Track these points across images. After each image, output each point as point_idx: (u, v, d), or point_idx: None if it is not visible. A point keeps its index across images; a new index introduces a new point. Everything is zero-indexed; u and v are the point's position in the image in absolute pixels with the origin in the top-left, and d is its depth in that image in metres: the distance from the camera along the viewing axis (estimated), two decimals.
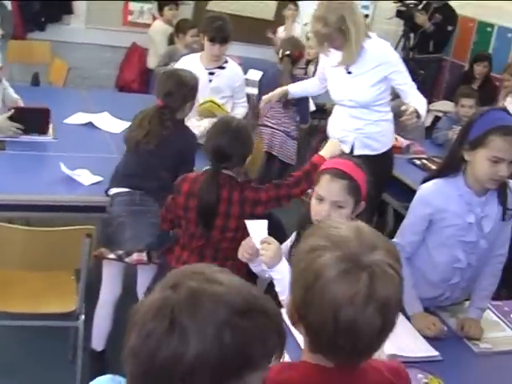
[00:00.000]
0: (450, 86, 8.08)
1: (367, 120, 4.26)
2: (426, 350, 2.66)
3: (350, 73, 4.20)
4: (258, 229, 2.69)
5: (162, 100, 3.78)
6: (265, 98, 4.71)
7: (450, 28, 8.76)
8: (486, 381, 2.65)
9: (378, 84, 4.17)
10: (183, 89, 3.81)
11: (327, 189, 2.72)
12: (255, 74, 6.78)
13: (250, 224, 2.71)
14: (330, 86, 4.38)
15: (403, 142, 5.38)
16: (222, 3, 8.04)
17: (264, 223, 2.70)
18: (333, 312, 1.45)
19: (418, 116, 4.00)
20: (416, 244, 2.96)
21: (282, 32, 8.18)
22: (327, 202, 2.72)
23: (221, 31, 4.75)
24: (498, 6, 8.42)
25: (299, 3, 8.20)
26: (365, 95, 4.20)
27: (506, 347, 2.84)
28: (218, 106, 4.73)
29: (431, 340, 2.74)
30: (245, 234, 2.79)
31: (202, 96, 4.57)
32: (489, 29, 8.73)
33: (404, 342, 2.65)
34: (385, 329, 1.50)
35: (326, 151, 3.41)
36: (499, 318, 3.06)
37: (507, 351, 2.82)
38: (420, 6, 8.78)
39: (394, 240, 2.97)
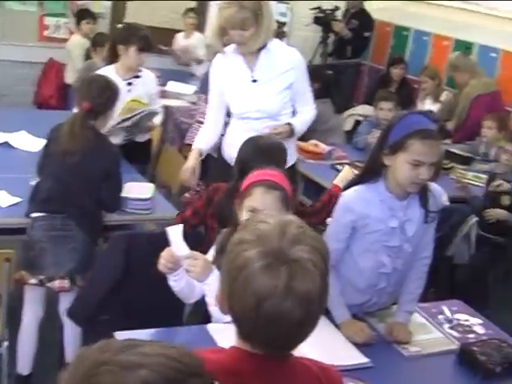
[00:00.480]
0: (369, 90, 8.19)
1: None
2: (355, 358, 2.66)
3: (255, 81, 3.94)
4: (175, 234, 2.65)
5: (87, 103, 3.75)
6: (186, 170, 4.05)
7: (366, 34, 8.89)
8: (415, 383, 2.66)
9: (284, 91, 3.94)
10: (107, 92, 3.87)
11: (262, 201, 2.71)
12: (175, 86, 6.74)
13: (169, 231, 2.66)
14: (231, 99, 4.03)
15: (325, 147, 5.41)
16: (139, 16, 7.97)
17: (179, 228, 2.65)
18: (254, 303, 1.52)
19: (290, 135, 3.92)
20: (341, 251, 2.94)
21: (182, 39, 8.17)
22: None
23: (147, 39, 4.78)
24: (414, 10, 8.59)
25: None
26: (272, 104, 3.94)
27: (434, 349, 2.85)
28: (140, 102, 4.80)
29: (361, 346, 2.74)
30: None
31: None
32: (405, 32, 8.87)
33: (333, 350, 2.64)
34: (306, 322, 1.57)
35: (340, 178, 3.69)
36: (427, 319, 3.08)
37: (436, 353, 2.84)
38: (337, 13, 8.89)
39: None
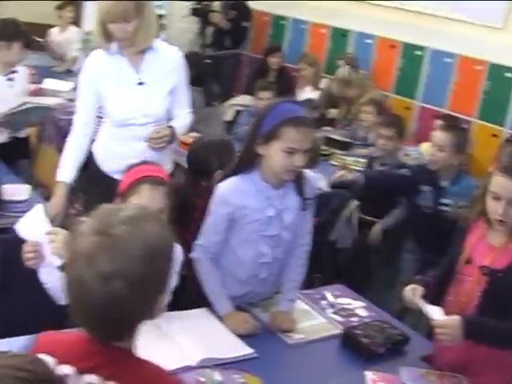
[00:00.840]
0: (249, 80, 8.19)
1: None
2: (240, 349, 2.64)
3: (141, 83, 3.60)
4: (35, 216, 2.57)
5: None
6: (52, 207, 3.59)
7: (245, 24, 8.90)
8: (302, 371, 2.66)
9: (169, 95, 3.67)
10: None
11: (151, 198, 2.67)
12: (51, 83, 6.56)
13: (28, 215, 2.60)
14: (113, 105, 3.61)
15: None
16: (6, 11, 7.65)
17: (39, 208, 2.58)
18: (73, 289, 1.57)
19: (171, 141, 3.64)
20: (220, 244, 2.92)
21: (57, 34, 7.84)
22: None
23: (29, 35, 4.68)
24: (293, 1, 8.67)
25: None
26: (160, 107, 3.65)
27: (318, 335, 2.87)
28: None
29: (246, 338, 2.72)
30: None
31: (5, 103, 4.54)
32: (283, 22, 8.92)
33: (217, 343, 2.62)
34: (109, 303, 1.52)
35: None
36: (310, 306, 3.10)
37: (320, 339, 2.86)
38: (215, 4, 8.86)
39: (198, 242, 2.94)
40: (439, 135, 4.25)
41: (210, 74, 6.55)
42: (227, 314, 2.84)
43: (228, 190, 2.87)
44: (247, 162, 2.88)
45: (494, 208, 2.61)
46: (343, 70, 7.00)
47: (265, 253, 2.91)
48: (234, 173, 2.91)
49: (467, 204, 4.15)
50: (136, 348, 1.67)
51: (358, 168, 5.28)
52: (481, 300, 2.67)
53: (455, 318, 2.56)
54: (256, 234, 2.88)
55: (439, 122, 4.39)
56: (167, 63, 3.65)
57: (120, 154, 3.48)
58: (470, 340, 2.56)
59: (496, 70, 6.72)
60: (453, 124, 4.32)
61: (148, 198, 2.68)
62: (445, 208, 4.20)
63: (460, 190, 4.19)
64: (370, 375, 2.59)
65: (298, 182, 2.89)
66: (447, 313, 2.63)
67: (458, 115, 6.66)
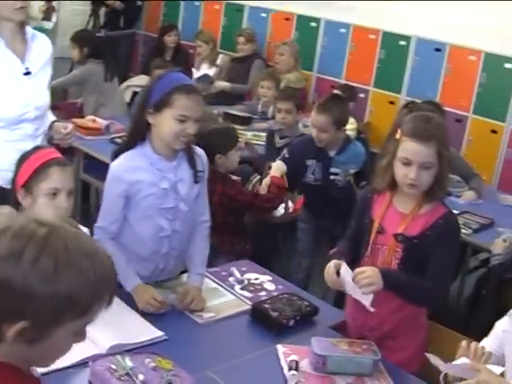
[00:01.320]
0: (145, 60, 8.08)
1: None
2: (150, 333, 2.61)
3: (28, 73, 3.29)
4: None
5: None
6: None
7: (139, 3, 8.77)
8: (214, 349, 2.66)
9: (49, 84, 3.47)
10: None
11: (62, 180, 2.65)
12: None
13: None
14: (1, 103, 3.25)
15: (102, 122, 5.28)
16: None
17: None
18: None
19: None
20: (118, 223, 2.90)
21: None
22: (64, 192, 2.64)
23: None
24: None
25: None
26: (47, 98, 3.43)
27: (227, 312, 2.87)
28: None
29: (155, 320, 2.69)
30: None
31: None
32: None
33: (126, 328, 2.59)
34: None
35: (274, 170, 4.13)
36: (218, 284, 3.09)
37: (229, 316, 2.86)
38: None
39: (96, 224, 2.91)
40: (316, 118, 4.21)
41: (106, 49, 6.40)
42: (135, 288, 2.81)
43: (120, 168, 2.87)
44: (138, 135, 2.88)
45: (405, 173, 2.64)
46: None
47: (163, 226, 2.91)
48: (126, 148, 2.90)
49: (357, 170, 4.29)
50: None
51: (258, 142, 5.30)
52: (399, 267, 2.73)
53: (374, 268, 2.62)
54: (153, 208, 2.88)
55: (315, 104, 4.44)
56: (46, 51, 3.45)
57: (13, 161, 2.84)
58: (387, 288, 2.61)
59: (389, 39, 6.84)
60: (327, 103, 4.30)
61: (59, 181, 2.64)
62: (334, 177, 4.26)
63: (347, 158, 4.28)
64: (281, 348, 2.61)
65: (190, 154, 2.92)
66: None
67: (354, 84, 6.77)
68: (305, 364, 2.52)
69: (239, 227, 4.04)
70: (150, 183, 2.84)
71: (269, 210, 4.05)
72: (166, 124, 2.76)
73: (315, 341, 2.57)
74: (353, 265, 2.74)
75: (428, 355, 2.36)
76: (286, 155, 4.38)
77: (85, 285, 1.40)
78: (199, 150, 3.00)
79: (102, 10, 8.76)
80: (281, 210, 4.57)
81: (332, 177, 4.26)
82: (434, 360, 2.32)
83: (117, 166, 2.87)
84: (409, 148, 2.63)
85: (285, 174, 4.20)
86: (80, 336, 1.49)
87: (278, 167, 4.16)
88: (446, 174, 2.72)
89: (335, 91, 4.87)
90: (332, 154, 4.28)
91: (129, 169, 2.84)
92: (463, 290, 4.56)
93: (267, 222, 4.67)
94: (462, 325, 4.14)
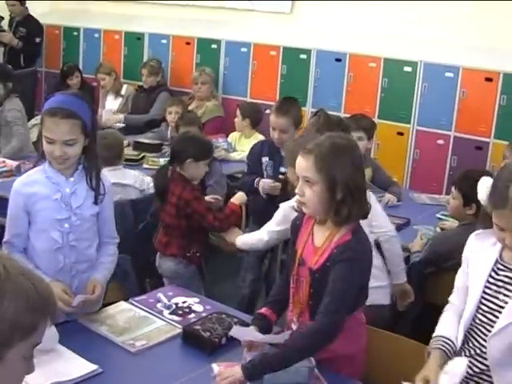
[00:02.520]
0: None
1: None
2: (83, 367, 2.58)
3: None
4: None
5: None
6: None
7: (37, 39, 8.66)
8: (149, 377, 2.64)
9: None
10: None
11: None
12: None
13: None
14: None
15: (12, 163, 5.20)
16: None
17: None
18: None
19: None
20: (22, 236, 3.01)
21: None
22: None
23: None
24: (84, 10, 8.57)
25: None
26: None
27: (159, 338, 2.86)
28: None
29: (88, 353, 2.66)
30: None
31: None
32: (75, 33, 8.81)
33: (58, 366, 2.56)
34: None
35: (236, 199, 4.11)
36: (147, 311, 3.09)
37: (162, 341, 2.85)
38: (3, 23, 8.58)
39: (3, 239, 3.01)
40: (277, 120, 4.50)
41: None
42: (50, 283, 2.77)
43: (20, 182, 3.00)
44: (39, 152, 3.01)
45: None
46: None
47: (55, 239, 2.98)
48: (34, 166, 3.05)
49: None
50: None
51: None
52: (310, 302, 2.65)
53: (234, 368, 2.48)
54: (48, 221, 2.97)
55: (273, 109, 4.58)
56: None
57: None
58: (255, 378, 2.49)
59: (290, 53, 6.98)
60: (284, 106, 4.55)
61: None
62: (282, 177, 4.39)
63: None
64: (216, 367, 2.62)
65: (90, 174, 3.01)
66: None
67: (260, 101, 6.87)
68: None
69: (191, 233, 4.07)
70: (44, 196, 2.95)
71: (216, 229, 4.07)
72: (43, 144, 2.89)
73: (248, 355, 2.59)
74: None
75: None
76: (247, 158, 4.80)
77: (29, 304, 1.42)
78: (104, 175, 3.12)
79: (1, 50, 8.65)
80: None
81: (281, 176, 4.42)
82: None
83: (17, 181, 3.02)
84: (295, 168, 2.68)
85: (244, 205, 4.32)
86: (30, 361, 1.51)
87: (239, 197, 4.17)
88: (347, 200, 2.54)
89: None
90: (284, 153, 4.46)
91: (27, 182, 2.98)
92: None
93: None
94: (391, 322, 4.24)
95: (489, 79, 6.15)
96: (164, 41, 7.98)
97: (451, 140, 6.29)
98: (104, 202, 3.07)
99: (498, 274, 2.49)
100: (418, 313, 3.91)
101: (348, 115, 5.18)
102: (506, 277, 2.46)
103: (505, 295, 2.44)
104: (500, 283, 2.47)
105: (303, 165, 2.58)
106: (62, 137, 2.83)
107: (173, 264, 4.07)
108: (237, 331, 2.68)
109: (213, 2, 7.74)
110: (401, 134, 6.45)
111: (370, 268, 2.67)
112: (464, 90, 6.23)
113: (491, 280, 2.50)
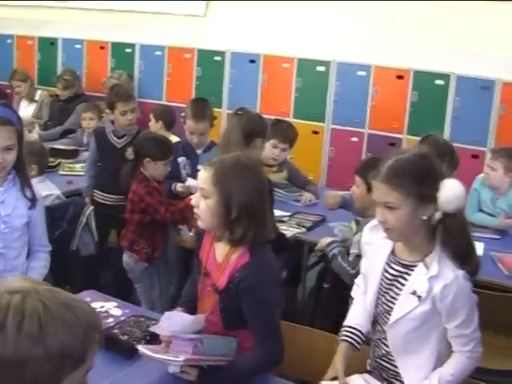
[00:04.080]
0: None
1: None
2: None
3: None
4: None
5: None
6: None
7: None
8: None
9: None
10: None
11: None
12: None
13: None
14: None
15: None
16: None
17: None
18: None
19: None
20: None
21: None
22: None
23: None
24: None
25: None
26: None
27: None
28: None
29: None
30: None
31: None
32: None
33: None
34: None
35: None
36: None
37: None
38: None
39: None
40: (198, 126, 4.62)
41: None
42: None
43: None
44: None
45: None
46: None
47: None
48: None
49: None
50: None
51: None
52: (222, 317, 2.63)
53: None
54: None
55: (189, 112, 4.63)
56: None
57: None
58: None
59: (205, 55, 7.01)
60: (200, 110, 4.66)
61: None
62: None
63: (209, 155, 4.46)
64: (143, 349, 2.60)
65: (22, 182, 3.07)
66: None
67: (175, 104, 6.87)
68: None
69: (141, 228, 4.14)
70: None
71: (169, 221, 4.17)
72: None
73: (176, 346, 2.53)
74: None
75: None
76: None
77: (74, 335, 1.42)
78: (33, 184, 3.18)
79: None
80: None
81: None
82: None
83: None
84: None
85: None
86: None
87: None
88: (242, 221, 2.50)
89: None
90: (199, 152, 4.68)
91: None
92: (306, 286, 4.74)
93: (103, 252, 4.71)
94: (309, 318, 4.32)
95: (400, 77, 6.30)
96: (78, 46, 7.90)
97: (365, 137, 6.42)
98: (36, 210, 3.11)
99: (390, 268, 2.57)
100: (334, 307, 3.99)
101: (263, 116, 5.21)
102: (397, 271, 2.55)
103: (397, 288, 2.53)
104: (392, 277, 2.56)
105: (203, 176, 2.56)
106: (3, 143, 2.89)
107: (126, 256, 4.22)
108: (166, 319, 2.61)
109: (126, 5, 7.69)
110: (316, 132, 6.55)
111: (278, 280, 2.70)
112: (376, 87, 6.37)
113: (385, 274, 2.58)
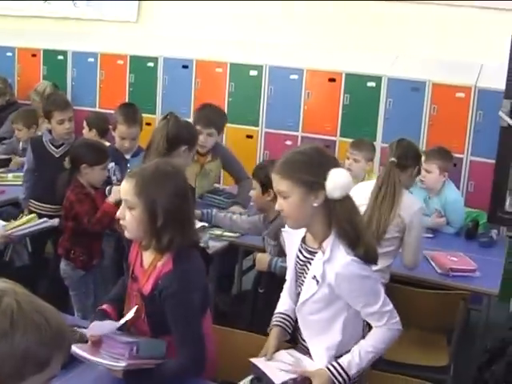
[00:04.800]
0: None
1: None
2: None
3: None
4: None
5: None
6: None
7: None
8: None
9: None
10: None
11: None
12: None
13: None
14: None
15: None
16: None
17: None
18: None
19: None
20: None
21: None
22: None
23: None
24: None
25: None
26: None
27: None
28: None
29: None
30: None
31: None
32: None
33: None
34: None
35: (111, 197, 3.99)
36: None
37: None
38: None
39: None
40: (130, 130, 4.68)
41: None
42: None
43: None
44: None
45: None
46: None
47: None
48: None
49: None
50: None
51: (19, 183, 5.16)
52: (147, 320, 2.66)
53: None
54: None
55: (120, 117, 4.63)
56: None
57: None
58: None
59: (138, 62, 6.99)
60: (132, 115, 4.75)
61: None
62: None
63: (137, 160, 4.49)
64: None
65: None
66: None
67: (109, 111, 6.81)
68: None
69: (75, 235, 4.09)
70: None
71: (92, 231, 4.07)
72: None
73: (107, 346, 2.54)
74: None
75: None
76: None
77: (42, 338, 1.45)
78: None
79: None
80: None
81: None
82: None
83: None
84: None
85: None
86: None
87: (113, 194, 4.02)
88: (168, 227, 2.55)
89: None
90: (128, 157, 4.71)
91: None
92: (241, 290, 4.76)
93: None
94: (247, 322, 4.33)
95: (332, 79, 6.38)
96: (9, 53, 7.79)
97: (299, 140, 6.48)
98: None
99: (301, 254, 2.69)
100: (271, 311, 4.01)
101: None
102: (305, 257, 2.67)
103: (306, 273, 2.66)
104: (302, 262, 2.68)
105: (125, 188, 2.59)
106: None
107: (63, 264, 4.15)
108: (95, 326, 2.60)
109: (58, 12, 7.64)
110: (250, 136, 6.59)
111: (202, 287, 2.69)
112: (309, 91, 6.43)
113: (297, 260, 2.71)
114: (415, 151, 4.09)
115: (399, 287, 3.90)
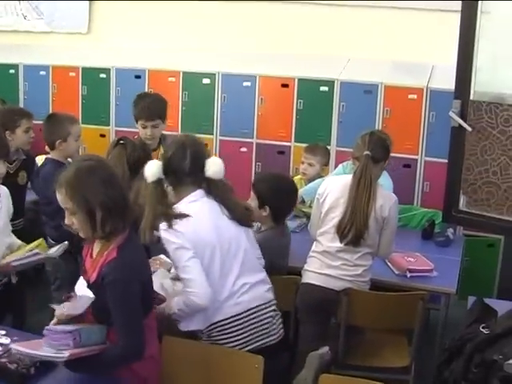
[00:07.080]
0: None
1: None
2: None
3: None
4: None
5: None
6: None
7: None
8: None
9: None
10: None
11: None
12: None
13: None
14: None
15: None
16: None
17: None
18: None
19: None
20: None
21: None
22: None
23: None
24: None
25: None
26: None
27: None
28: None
29: None
30: None
31: None
32: None
33: None
34: None
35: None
36: None
37: None
38: None
39: None
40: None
41: None
42: None
43: None
44: None
45: None
46: None
47: None
48: None
49: None
50: None
51: None
52: (93, 314, 2.77)
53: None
54: None
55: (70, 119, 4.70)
56: None
57: None
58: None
59: (90, 74, 6.94)
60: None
61: None
62: None
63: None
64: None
65: None
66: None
67: None
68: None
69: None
70: None
71: None
72: None
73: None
74: None
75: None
76: None
77: None
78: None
79: None
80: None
81: None
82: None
83: None
84: None
85: None
86: None
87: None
88: (108, 217, 2.69)
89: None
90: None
91: None
92: None
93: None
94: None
95: (285, 85, 6.39)
96: None
97: (254, 147, 6.48)
98: None
99: None
100: None
101: None
102: None
103: None
104: None
105: (60, 198, 2.72)
106: None
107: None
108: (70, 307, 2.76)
109: (8, 25, 7.57)
110: (205, 145, 6.55)
111: (146, 278, 2.83)
112: (262, 97, 6.44)
113: None
114: (386, 144, 4.16)
115: (358, 290, 3.92)
